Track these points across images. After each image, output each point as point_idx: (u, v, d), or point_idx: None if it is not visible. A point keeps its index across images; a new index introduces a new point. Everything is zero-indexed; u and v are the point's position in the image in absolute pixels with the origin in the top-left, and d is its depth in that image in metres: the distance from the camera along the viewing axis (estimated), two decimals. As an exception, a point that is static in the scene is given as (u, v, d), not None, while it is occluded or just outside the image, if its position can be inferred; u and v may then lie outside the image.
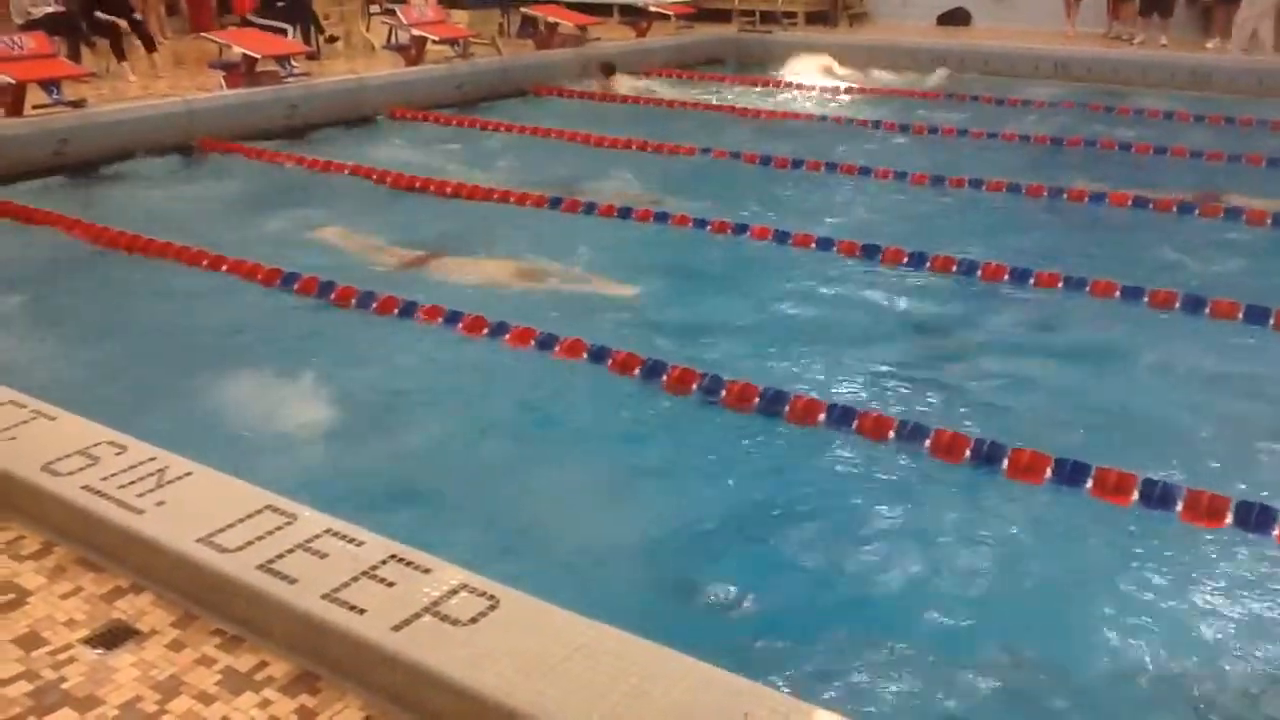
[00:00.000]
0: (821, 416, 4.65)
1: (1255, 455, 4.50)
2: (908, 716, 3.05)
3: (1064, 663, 3.31)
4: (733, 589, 3.61)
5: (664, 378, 5.01)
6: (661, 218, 7.55)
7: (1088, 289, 6.15)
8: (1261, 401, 4.97)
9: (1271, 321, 5.67)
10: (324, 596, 2.84)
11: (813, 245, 6.98)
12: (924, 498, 4.19)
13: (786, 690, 2.78)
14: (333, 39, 14.20)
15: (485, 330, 5.54)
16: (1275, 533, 3.86)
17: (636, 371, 5.08)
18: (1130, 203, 7.88)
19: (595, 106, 12.13)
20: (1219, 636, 3.41)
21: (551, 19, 14.26)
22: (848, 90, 13.16)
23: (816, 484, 4.30)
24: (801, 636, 3.38)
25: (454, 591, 2.85)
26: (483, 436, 4.71)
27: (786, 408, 4.73)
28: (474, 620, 2.74)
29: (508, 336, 5.46)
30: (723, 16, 17.51)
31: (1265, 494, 4.05)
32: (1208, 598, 3.60)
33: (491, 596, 2.83)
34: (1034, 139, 10.17)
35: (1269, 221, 7.44)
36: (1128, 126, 10.68)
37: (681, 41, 15.61)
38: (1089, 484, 4.14)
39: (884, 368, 5.33)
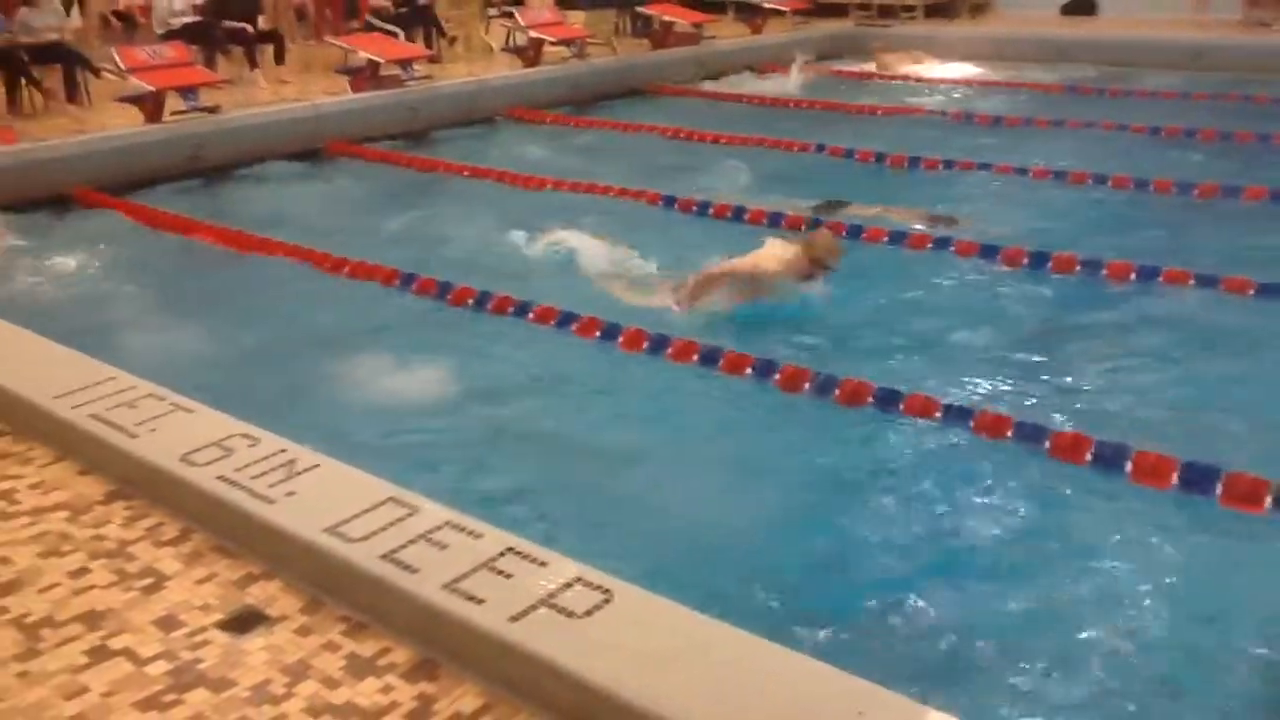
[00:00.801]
0: (938, 414, 4.59)
1: None
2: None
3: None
4: (849, 589, 3.59)
5: (776, 376, 5.00)
6: (775, 219, 7.51)
7: (1221, 284, 5.93)
8: None
9: None
10: (444, 586, 2.92)
11: (929, 245, 6.89)
12: (1051, 500, 4.11)
13: (904, 691, 2.75)
14: (453, 40, 14.50)
15: (598, 332, 5.59)
16: None
17: (749, 370, 5.08)
18: (1267, 196, 7.56)
19: (711, 105, 12.13)
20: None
21: (667, 17, 14.32)
22: (968, 82, 12.90)
23: (935, 481, 4.25)
24: (917, 636, 3.35)
25: (569, 584, 2.90)
26: (597, 434, 4.76)
27: (901, 405, 4.68)
28: (589, 613, 2.78)
29: (620, 338, 5.51)
30: (840, 10, 17.32)
31: None
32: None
33: (606, 590, 2.87)
34: (1164, 132, 9.82)
35: None
36: (1267, 118, 10.22)
37: (797, 37, 15.50)
38: (1218, 490, 4.00)
39: (1005, 367, 5.24)
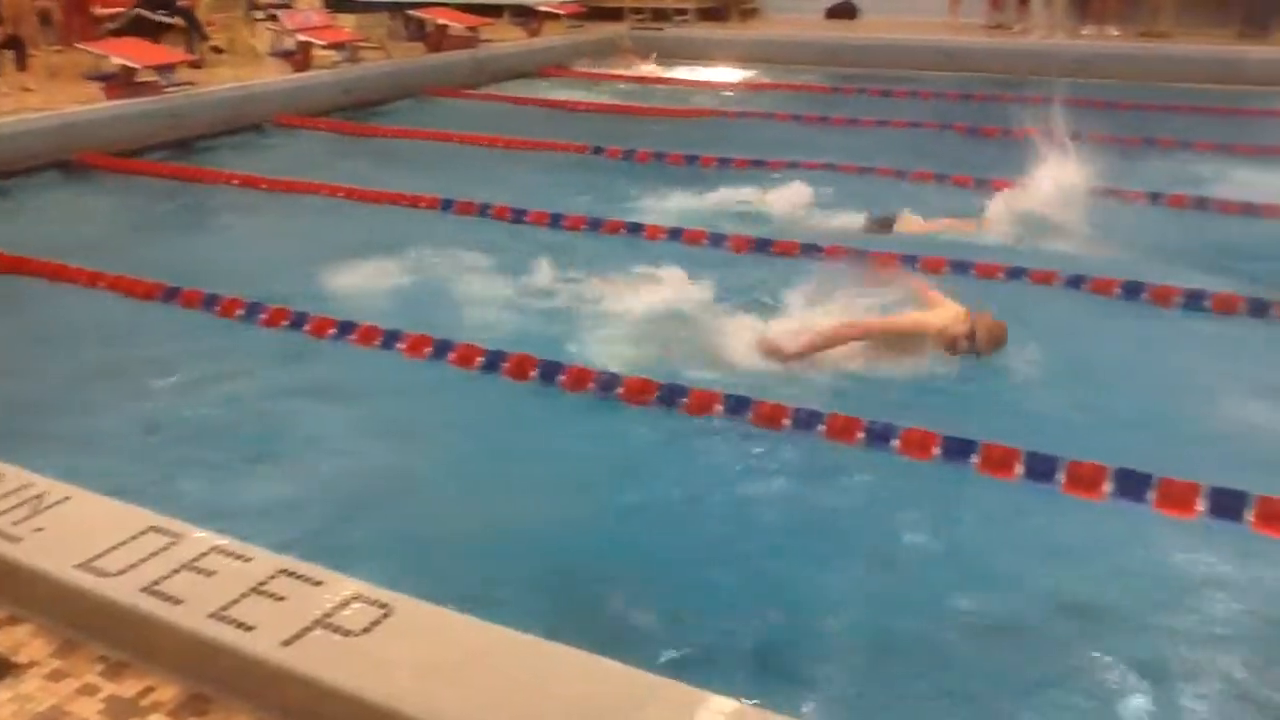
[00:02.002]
0: (718, 407, 4.68)
1: None
2: (810, 703, 3.09)
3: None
4: (629, 585, 3.62)
5: (561, 377, 5.00)
6: (556, 220, 7.52)
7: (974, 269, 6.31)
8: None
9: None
10: (211, 615, 2.77)
11: (703, 240, 7.05)
12: (821, 483, 4.26)
13: (688, 682, 2.78)
14: (217, 49, 13.88)
15: (378, 340, 5.45)
16: None
17: (534, 374, 5.05)
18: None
19: (487, 108, 12.07)
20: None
21: (441, 21, 14.14)
22: (741, 85, 13.30)
23: (717, 477, 4.34)
24: (706, 628, 3.40)
25: (346, 603, 2.80)
26: (370, 445, 4.63)
27: (685, 399, 4.75)
28: (367, 630, 2.69)
29: (402, 345, 5.38)
30: (614, 14, 17.53)
31: None
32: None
33: (384, 605, 2.79)
34: (923, 126, 10.41)
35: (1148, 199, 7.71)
36: (1010, 115, 10.94)
37: (574, 41, 15.60)
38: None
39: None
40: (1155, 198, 7.69)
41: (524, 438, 4.70)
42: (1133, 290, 5.96)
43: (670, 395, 4.78)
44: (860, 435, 4.44)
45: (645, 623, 3.45)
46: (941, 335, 4.99)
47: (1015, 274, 6.22)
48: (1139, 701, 3.08)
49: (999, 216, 7.12)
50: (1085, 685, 3.16)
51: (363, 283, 6.29)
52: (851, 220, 7.42)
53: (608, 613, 3.53)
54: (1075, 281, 6.07)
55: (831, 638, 3.38)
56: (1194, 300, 5.82)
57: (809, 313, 5.36)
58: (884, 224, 7.27)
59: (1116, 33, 14.69)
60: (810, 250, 6.72)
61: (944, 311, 5.11)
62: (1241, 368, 5.22)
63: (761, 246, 6.89)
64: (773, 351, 5.14)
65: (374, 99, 12.01)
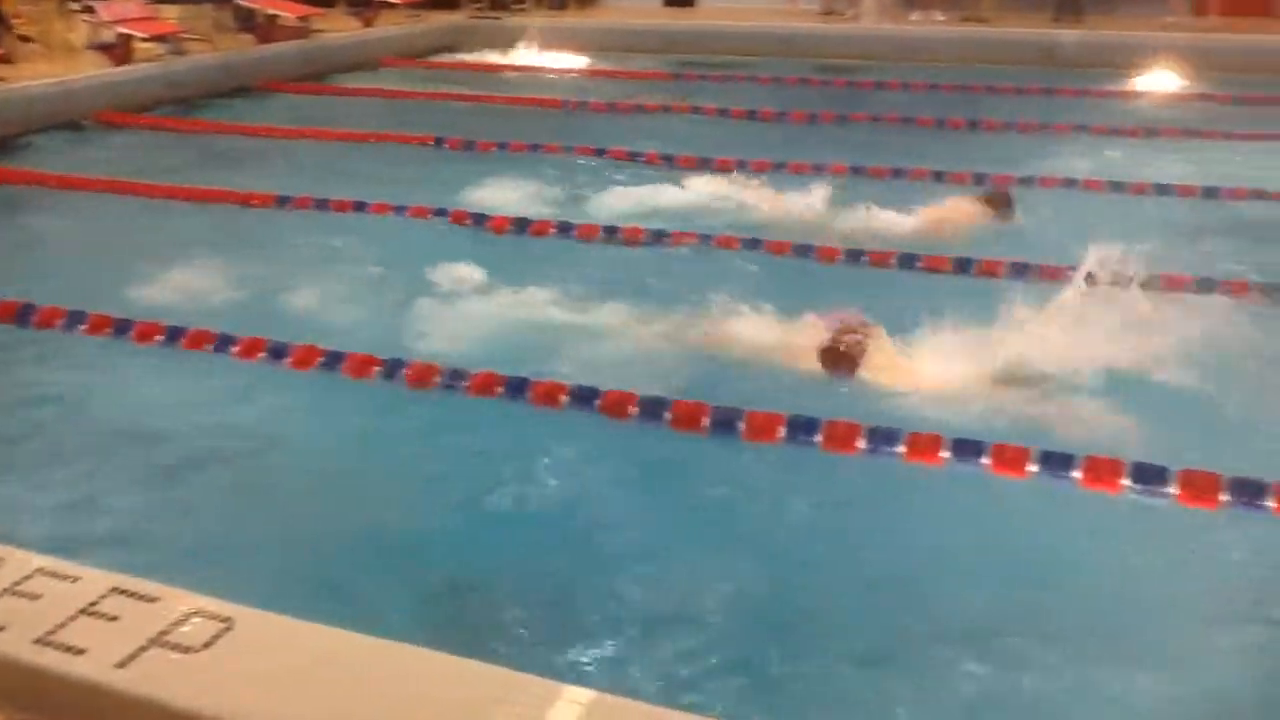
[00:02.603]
0: (563, 398, 4.67)
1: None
2: (656, 685, 3.11)
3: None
4: (480, 580, 3.59)
5: (405, 373, 4.90)
6: (401, 209, 7.38)
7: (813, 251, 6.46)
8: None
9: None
10: (37, 641, 2.61)
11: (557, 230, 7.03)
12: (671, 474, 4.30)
13: (542, 674, 2.77)
14: (25, 39, 13.10)
15: (210, 345, 5.24)
16: None
17: (376, 371, 4.95)
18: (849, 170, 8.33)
19: (323, 100, 11.76)
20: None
21: (270, 10, 13.69)
22: (583, 73, 13.29)
23: (570, 472, 4.33)
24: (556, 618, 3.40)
25: (185, 619, 2.68)
26: (210, 455, 4.46)
27: (529, 392, 4.73)
28: (207, 645, 2.59)
29: (236, 349, 5.20)
30: (452, 3, 17.29)
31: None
32: None
33: (226, 618, 2.68)
34: (759, 114, 10.60)
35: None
36: (845, 99, 11.26)
37: (411, 31, 15.33)
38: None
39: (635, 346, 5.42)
40: (980, 179, 7.99)
41: (367, 436, 4.61)
42: (961, 265, 6.21)
43: (519, 387, 4.75)
44: (705, 422, 4.50)
45: (507, 620, 3.43)
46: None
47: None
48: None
49: None
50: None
51: (192, 285, 6.04)
52: (695, 206, 7.50)
53: (466, 612, 3.50)
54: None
55: (695, 621, 3.42)
56: (1019, 271, 6.08)
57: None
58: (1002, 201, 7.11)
59: (942, 18, 15.25)
60: (658, 238, 6.79)
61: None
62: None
63: (609, 234, 6.91)
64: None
65: (201, 93, 11.55)
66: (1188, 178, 7.95)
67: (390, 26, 15.34)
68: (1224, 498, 3.95)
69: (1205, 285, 5.79)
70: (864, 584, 3.61)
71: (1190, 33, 13.75)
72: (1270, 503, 3.91)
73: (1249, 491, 3.95)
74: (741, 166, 8.53)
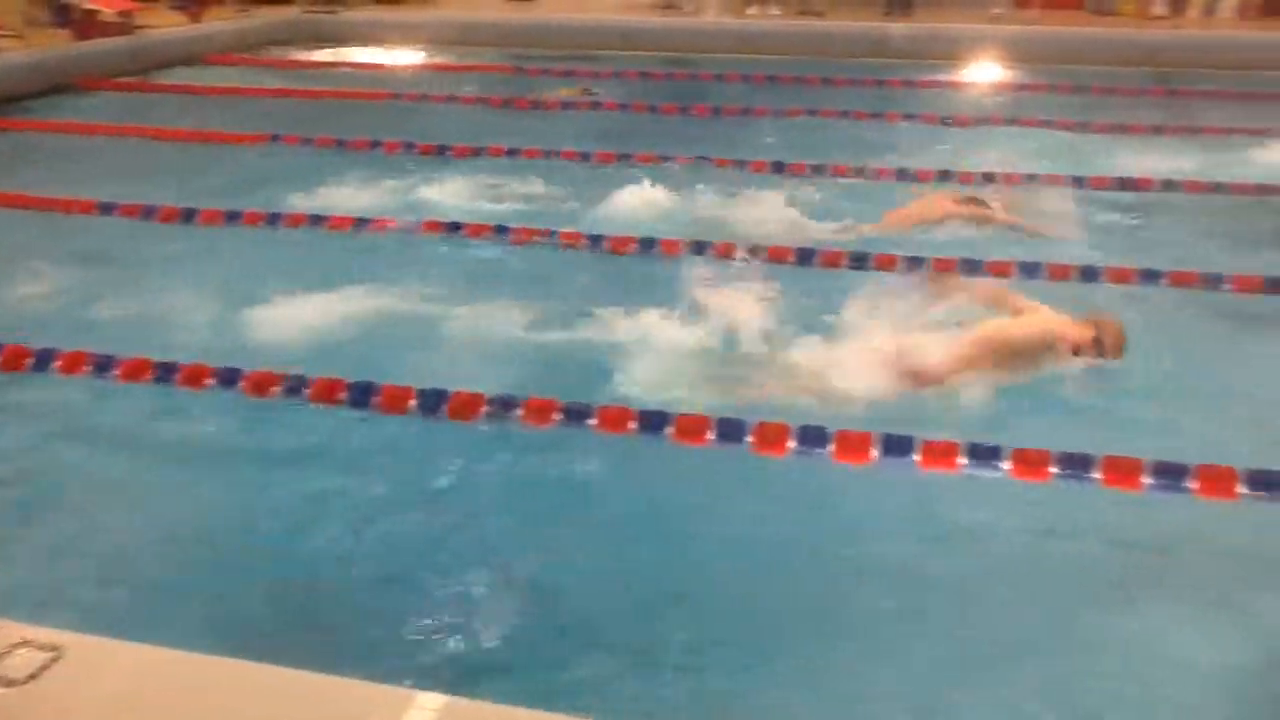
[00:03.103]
0: (411, 402, 4.62)
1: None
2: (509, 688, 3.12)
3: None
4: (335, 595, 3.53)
5: (241, 382, 4.76)
6: (233, 216, 7.13)
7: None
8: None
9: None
10: None
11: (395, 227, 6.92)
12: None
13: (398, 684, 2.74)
14: None
15: (29, 363, 4.98)
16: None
17: (210, 382, 4.79)
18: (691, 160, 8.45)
19: (149, 99, 11.28)
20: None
21: (89, 5, 13.04)
22: (422, 68, 13.11)
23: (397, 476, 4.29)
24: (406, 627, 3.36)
25: (9, 650, 2.55)
26: (33, 477, 4.25)
27: (377, 397, 4.65)
28: (34, 676, 2.47)
29: (58, 364, 4.95)
30: (284, -3, 16.78)
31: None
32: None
33: (55, 647, 2.56)
34: (604, 107, 10.65)
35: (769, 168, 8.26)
36: (688, 92, 11.38)
37: (241, 26, 14.84)
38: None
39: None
40: (818, 170, 8.20)
41: (206, 447, 4.46)
42: (805, 256, 6.37)
43: (364, 393, 4.67)
44: (556, 416, 4.51)
45: (357, 629, 3.38)
46: (1067, 342, 4.80)
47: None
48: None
49: None
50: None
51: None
52: (531, 206, 7.48)
53: (311, 623, 3.43)
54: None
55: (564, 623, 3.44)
56: (859, 262, 6.28)
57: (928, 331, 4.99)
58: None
59: (778, 12, 15.57)
60: (501, 234, 6.75)
61: (1059, 317, 4.94)
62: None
63: (452, 230, 6.83)
64: (914, 375, 4.76)
65: (14, 93, 10.92)
66: (1009, 165, 8.32)
67: (218, 21, 14.81)
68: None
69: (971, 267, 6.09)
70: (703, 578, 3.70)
71: (1013, 25, 14.39)
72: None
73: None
74: (585, 159, 8.57)
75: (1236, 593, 3.60)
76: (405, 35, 14.56)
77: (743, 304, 5.39)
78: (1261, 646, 3.33)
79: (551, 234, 6.75)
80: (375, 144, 8.99)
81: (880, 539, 3.88)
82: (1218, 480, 4.07)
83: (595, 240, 6.68)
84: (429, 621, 3.37)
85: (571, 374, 5.02)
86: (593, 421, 4.46)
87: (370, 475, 4.22)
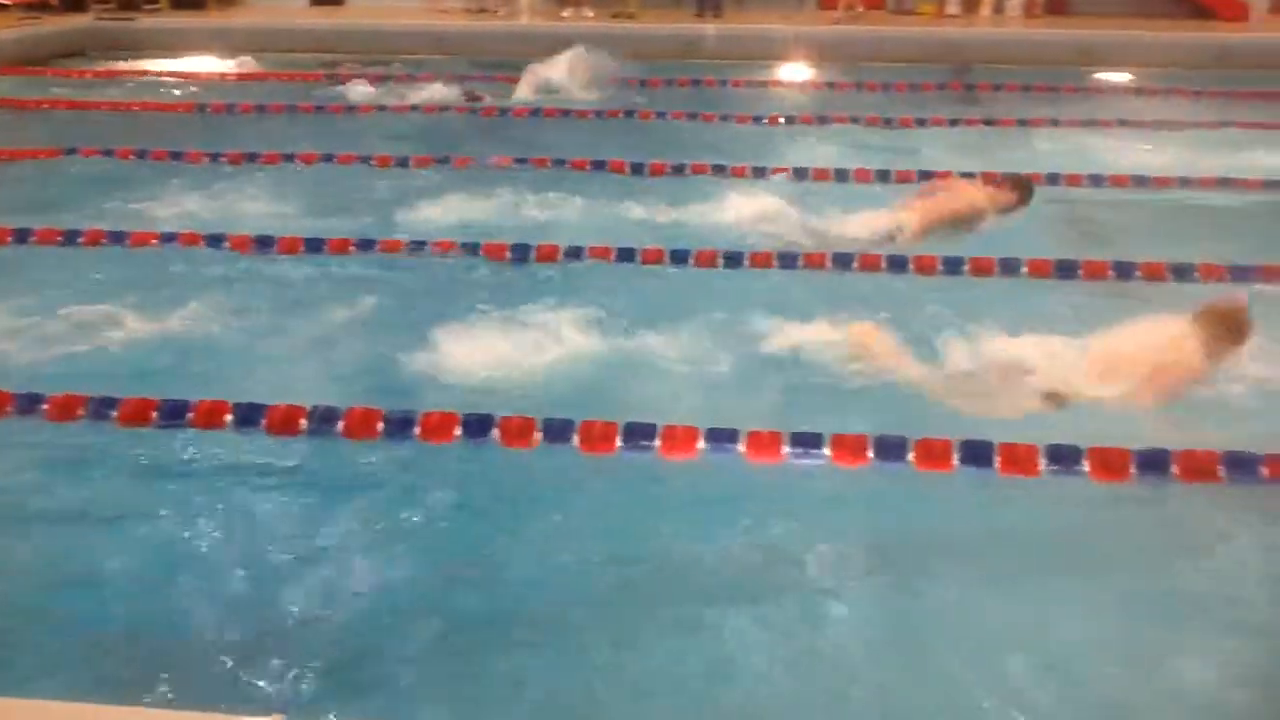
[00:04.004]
0: (227, 417, 4.46)
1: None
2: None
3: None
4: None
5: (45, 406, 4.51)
6: (23, 235, 6.73)
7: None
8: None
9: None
10: None
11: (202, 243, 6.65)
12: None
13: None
14: None
15: None
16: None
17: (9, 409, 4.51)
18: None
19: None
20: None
21: None
22: (228, 75, 12.65)
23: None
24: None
25: None
26: None
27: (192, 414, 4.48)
28: None
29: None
30: (77, 4, 15.89)
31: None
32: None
33: None
34: (423, 109, 10.52)
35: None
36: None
37: (29, 34, 13.99)
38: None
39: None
40: (638, 169, 8.29)
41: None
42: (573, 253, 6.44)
43: (175, 412, 4.48)
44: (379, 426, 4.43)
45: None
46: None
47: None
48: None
49: None
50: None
51: None
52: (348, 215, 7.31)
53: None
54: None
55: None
56: (679, 256, 6.38)
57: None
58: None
59: (591, 14, 15.64)
60: (316, 248, 6.57)
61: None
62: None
63: (263, 244, 6.61)
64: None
65: None
66: (819, 161, 8.60)
67: (2, 30, 13.93)
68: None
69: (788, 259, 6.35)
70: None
71: (820, 25, 14.85)
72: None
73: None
74: (403, 164, 8.43)
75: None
76: (208, 42, 14.00)
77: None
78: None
79: (369, 244, 6.62)
80: (177, 155, 8.62)
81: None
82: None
83: (418, 246, 6.58)
84: (254, 642, 3.26)
85: (396, 383, 4.94)
86: (416, 430, 4.40)
87: (182, 494, 4.05)
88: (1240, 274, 6.11)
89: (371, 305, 5.76)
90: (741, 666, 3.25)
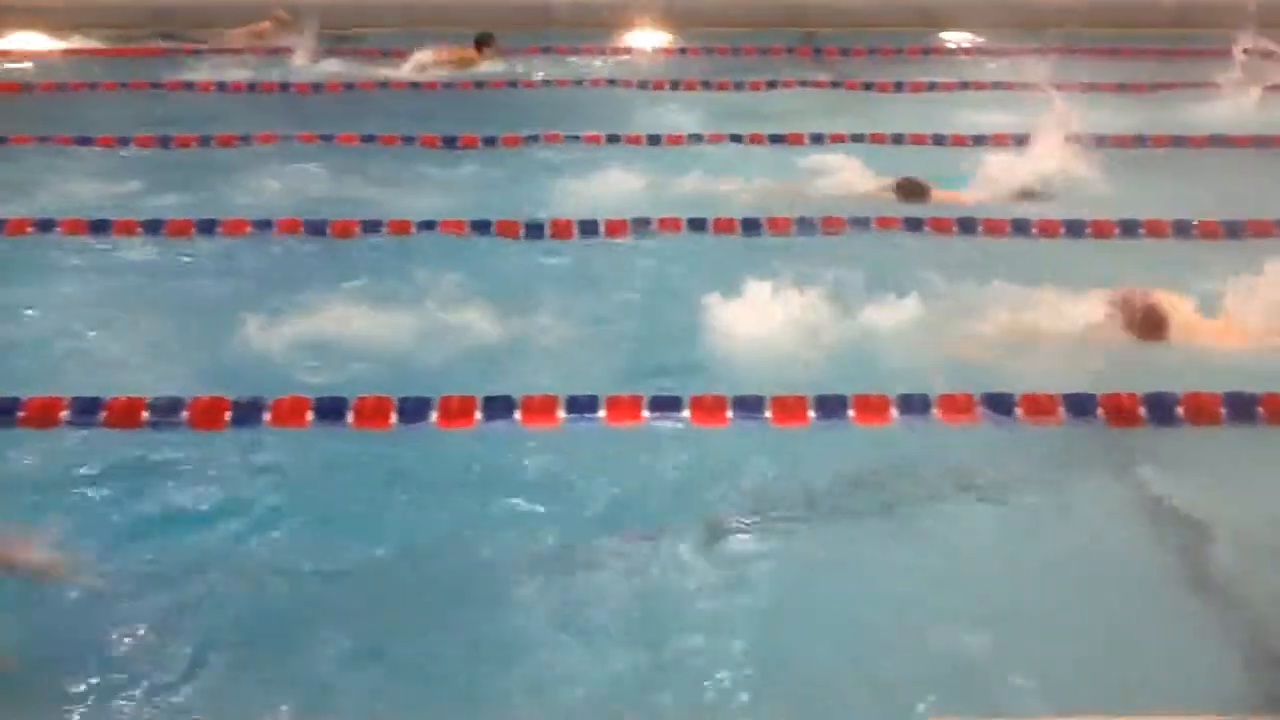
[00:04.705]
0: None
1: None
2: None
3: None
4: None
5: None
6: None
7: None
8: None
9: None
10: None
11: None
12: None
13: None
14: None
15: None
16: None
17: None
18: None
19: None
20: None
21: None
22: (55, 53, 11.99)
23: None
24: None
25: None
26: None
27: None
28: None
29: None
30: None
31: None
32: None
33: None
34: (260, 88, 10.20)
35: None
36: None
37: None
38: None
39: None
40: (491, 141, 8.20)
41: None
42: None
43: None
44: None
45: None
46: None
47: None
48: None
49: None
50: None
51: None
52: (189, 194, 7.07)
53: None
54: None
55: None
56: (536, 232, 6.36)
57: None
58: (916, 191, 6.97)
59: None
60: (153, 229, 6.32)
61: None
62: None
63: (98, 230, 6.32)
64: None
65: None
66: (677, 128, 8.64)
67: None
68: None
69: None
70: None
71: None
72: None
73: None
74: (245, 141, 8.16)
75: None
76: (35, 18, 13.19)
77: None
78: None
79: (209, 224, 6.40)
80: (3, 139, 8.17)
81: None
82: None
83: (264, 225, 6.40)
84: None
85: (247, 367, 4.81)
86: (268, 416, 4.30)
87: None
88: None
89: (212, 287, 5.59)
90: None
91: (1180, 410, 4.40)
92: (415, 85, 10.19)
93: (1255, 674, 3.15)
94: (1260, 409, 4.41)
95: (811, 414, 4.40)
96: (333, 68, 10.66)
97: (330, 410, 4.33)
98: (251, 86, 10.16)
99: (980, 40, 12.56)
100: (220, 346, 5.01)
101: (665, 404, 4.42)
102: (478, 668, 3.12)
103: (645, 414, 4.39)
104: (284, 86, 10.16)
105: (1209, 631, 3.34)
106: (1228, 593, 3.55)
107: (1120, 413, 4.40)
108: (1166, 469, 4.13)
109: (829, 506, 3.94)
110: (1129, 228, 6.42)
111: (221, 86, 10.11)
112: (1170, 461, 4.20)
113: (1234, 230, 6.39)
